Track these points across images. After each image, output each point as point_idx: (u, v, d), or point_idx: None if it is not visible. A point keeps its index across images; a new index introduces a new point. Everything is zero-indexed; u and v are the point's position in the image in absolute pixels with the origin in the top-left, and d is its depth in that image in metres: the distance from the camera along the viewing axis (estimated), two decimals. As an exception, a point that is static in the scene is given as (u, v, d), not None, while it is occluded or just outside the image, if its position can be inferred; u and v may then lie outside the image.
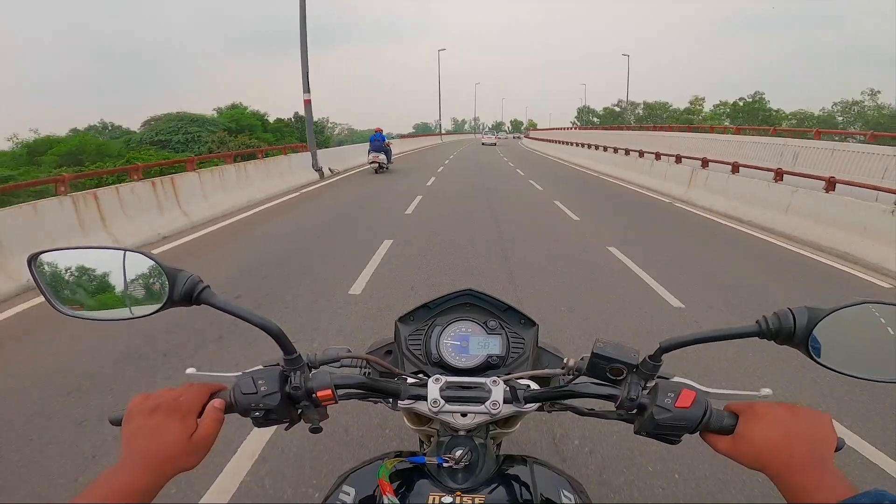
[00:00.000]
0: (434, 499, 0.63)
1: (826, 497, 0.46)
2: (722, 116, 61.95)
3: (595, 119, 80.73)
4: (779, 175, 8.14)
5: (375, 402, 0.81)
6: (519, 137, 73.84)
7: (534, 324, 0.86)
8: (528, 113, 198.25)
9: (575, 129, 53.11)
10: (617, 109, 79.90)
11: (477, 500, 0.63)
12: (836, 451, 0.53)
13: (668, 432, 0.60)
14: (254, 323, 0.60)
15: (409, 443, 2.23)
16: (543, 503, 0.65)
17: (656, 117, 70.25)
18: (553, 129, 58.56)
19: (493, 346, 0.80)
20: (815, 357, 0.56)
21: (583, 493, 0.70)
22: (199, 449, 0.57)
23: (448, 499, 0.63)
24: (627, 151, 15.68)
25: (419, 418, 0.91)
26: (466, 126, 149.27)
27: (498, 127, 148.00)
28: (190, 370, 0.71)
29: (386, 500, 0.61)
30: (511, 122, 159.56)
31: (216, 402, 0.60)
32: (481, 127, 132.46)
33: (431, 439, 0.90)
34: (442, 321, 0.83)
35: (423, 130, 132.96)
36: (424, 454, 0.72)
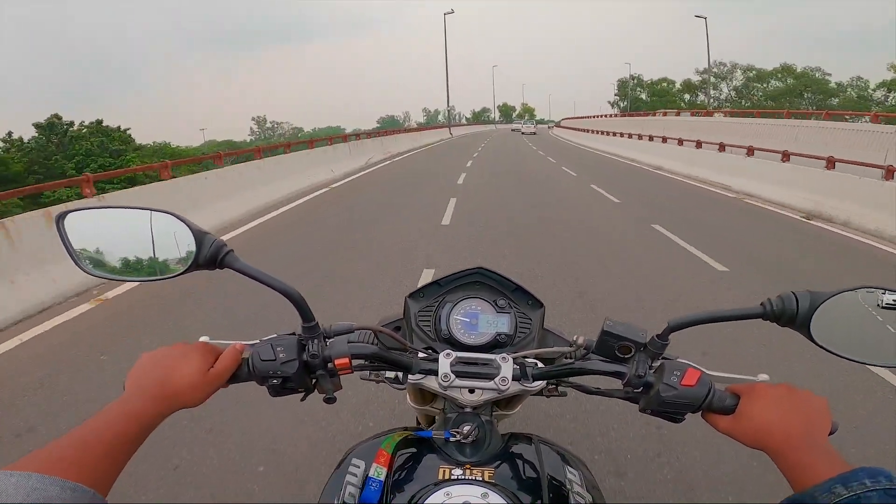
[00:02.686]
0: (444, 471, 0.64)
1: (821, 473, 0.48)
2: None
3: (645, 98, 58.00)
4: None
5: (378, 382, 0.83)
6: (551, 127, 57.09)
7: (541, 305, 0.87)
8: (525, 95, 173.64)
9: (623, 115, 41.39)
10: (694, 81, 54.52)
11: (487, 473, 0.63)
12: (830, 433, 0.56)
13: (673, 410, 0.62)
14: (275, 288, 0.60)
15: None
16: (549, 479, 0.66)
17: (789, 93, 45.42)
18: (587, 116, 46.84)
19: (501, 324, 0.81)
20: (815, 339, 0.58)
21: (587, 471, 0.72)
22: (209, 386, 0.59)
23: (458, 471, 0.63)
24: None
25: (423, 396, 0.92)
26: (440, 117, 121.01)
27: (478, 116, 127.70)
28: (203, 338, 0.70)
29: (373, 469, 0.62)
30: (500, 107, 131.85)
31: (237, 346, 0.63)
32: (458, 117, 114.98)
33: (436, 418, 0.91)
34: (452, 298, 0.84)
35: (389, 125, 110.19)
36: (432, 429, 0.73)
